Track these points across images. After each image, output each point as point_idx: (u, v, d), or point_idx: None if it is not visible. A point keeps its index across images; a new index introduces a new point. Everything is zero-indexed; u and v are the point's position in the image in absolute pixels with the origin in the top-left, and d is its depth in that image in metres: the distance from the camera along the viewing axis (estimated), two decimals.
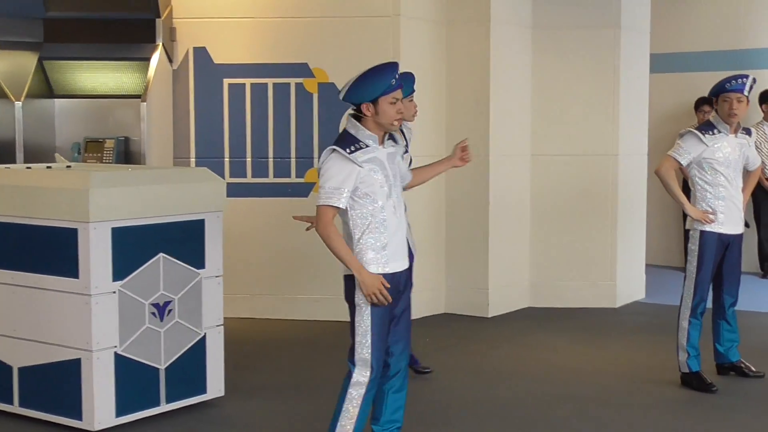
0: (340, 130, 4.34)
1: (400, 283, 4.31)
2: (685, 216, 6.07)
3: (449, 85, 8.09)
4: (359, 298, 4.20)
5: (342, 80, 6.70)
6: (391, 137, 4.40)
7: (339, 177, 4.13)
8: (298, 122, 7.73)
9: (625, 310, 8.32)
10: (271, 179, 7.79)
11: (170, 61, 7.76)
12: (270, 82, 7.75)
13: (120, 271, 4.82)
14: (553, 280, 8.39)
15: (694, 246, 5.81)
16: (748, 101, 5.74)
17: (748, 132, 5.92)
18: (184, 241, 5.09)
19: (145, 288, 4.93)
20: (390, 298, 4.18)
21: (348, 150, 4.15)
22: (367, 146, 4.20)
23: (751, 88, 5.75)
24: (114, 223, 4.76)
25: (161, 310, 5.00)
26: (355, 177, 4.14)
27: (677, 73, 10.35)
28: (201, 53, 7.78)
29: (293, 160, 7.72)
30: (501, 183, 8.06)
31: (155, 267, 4.96)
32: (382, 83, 4.17)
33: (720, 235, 5.81)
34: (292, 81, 7.72)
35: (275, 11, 7.74)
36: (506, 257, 8.15)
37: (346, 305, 4.29)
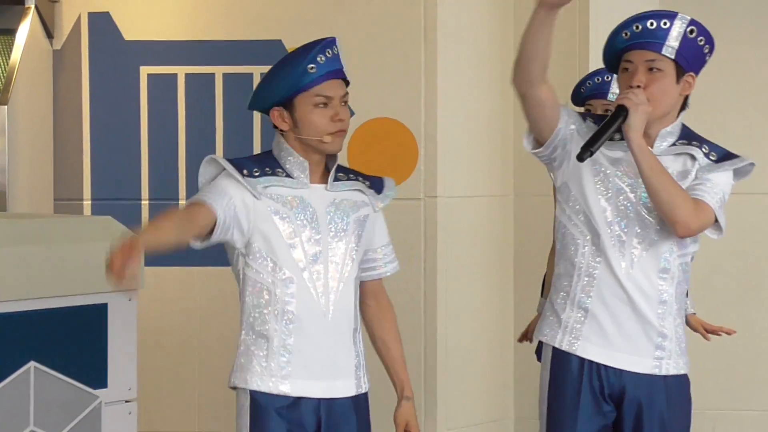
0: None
1: (312, 421, 4.47)
2: None
3: None
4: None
5: None
6: (358, 179, 4.59)
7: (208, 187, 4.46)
8: (265, 137, 7.77)
9: None
10: None
11: (50, 36, 7.84)
12: (218, 71, 7.85)
13: None
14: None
15: None
16: None
17: None
18: (73, 341, 5.09)
19: (6, 420, 4.91)
20: None
21: (243, 171, 4.40)
22: (289, 176, 4.44)
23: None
24: None
25: None
26: (227, 202, 4.35)
27: None
28: (101, 23, 7.85)
29: None
30: None
31: (22, 384, 4.93)
32: (290, 72, 4.48)
33: None
34: (256, 70, 7.78)
35: None
36: None
37: None
